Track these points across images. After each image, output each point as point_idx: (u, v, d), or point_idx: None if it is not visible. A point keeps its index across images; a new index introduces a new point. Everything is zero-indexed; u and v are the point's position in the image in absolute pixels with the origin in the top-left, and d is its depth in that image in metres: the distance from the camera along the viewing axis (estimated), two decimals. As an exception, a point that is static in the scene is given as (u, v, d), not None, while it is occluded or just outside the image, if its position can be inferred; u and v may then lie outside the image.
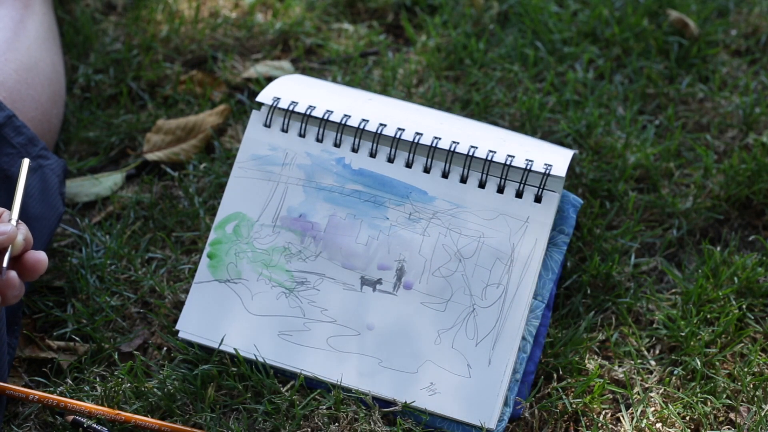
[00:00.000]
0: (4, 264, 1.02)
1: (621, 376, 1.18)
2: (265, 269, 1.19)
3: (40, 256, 1.04)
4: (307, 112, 1.23)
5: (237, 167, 1.22)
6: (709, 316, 1.22)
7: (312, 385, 1.16)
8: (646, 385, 1.17)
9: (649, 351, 1.21)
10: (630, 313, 1.24)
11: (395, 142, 1.21)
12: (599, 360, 1.20)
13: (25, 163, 1.10)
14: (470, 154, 1.19)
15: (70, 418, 1.12)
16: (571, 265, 1.27)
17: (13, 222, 1.04)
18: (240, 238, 1.20)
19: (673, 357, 1.20)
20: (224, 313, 1.18)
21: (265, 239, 1.20)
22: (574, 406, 1.15)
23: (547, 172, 1.18)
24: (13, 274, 1.02)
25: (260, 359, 1.15)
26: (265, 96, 1.24)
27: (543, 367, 1.18)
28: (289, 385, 1.16)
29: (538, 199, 1.18)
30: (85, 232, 1.31)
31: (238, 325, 1.17)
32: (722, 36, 1.54)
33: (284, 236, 1.20)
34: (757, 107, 1.44)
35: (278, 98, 1.24)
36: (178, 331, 1.19)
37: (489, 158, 1.19)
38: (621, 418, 1.15)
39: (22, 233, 1.04)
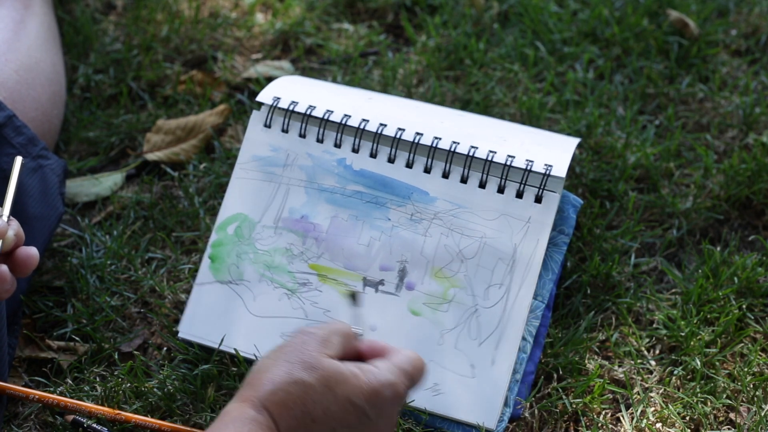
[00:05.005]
0: None
1: (621, 376, 1.18)
2: (267, 270, 1.19)
3: (32, 252, 1.04)
4: (308, 112, 1.23)
5: (238, 168, 1.22)
6: (709, 316, 1.22)
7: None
8: (646, 385, 1.17)
9: (649, 351, 1.21)
10: (630, 313, 1.25)
11: (396, 142, 1.21)
12: (599, 360, 1.20)
13: (18, 160, 1.10)
14: (471, 154, 1.19)
15: (70, 418, 1.12)
16: (571, 265, 1.27)
17: (4, 218, 1.04)
18: (242, 240, 1.20)
19: (673, 357, 1.20)
20: (226, 315, 1.18)
21: (266, 240, 1.20)
22: (574, 406, 1.15)
23: (548, 172, 1.18)
24: (4, 268, 1.02)
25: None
26: (265, 96, 1.24)
27: (543, 367, 1.18)
28: (289, 385, 1.16)
29: (538, 200, 1.18)
30: (85, 232, 1.31)
31: (240, 327, 1.17)
32: (722, 36, 1.54)
33: (286, 237, 1.20)
34: (757, 107, 1.44)
35: (278, 98, 1.24)
36: (178, 332, 1.19)
37: (489, 158, 1.19)
38: (621, 418, 1.15)
39: (13, 229, 1.04)
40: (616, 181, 1.35)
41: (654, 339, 1.22)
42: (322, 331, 0.95)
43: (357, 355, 0.96)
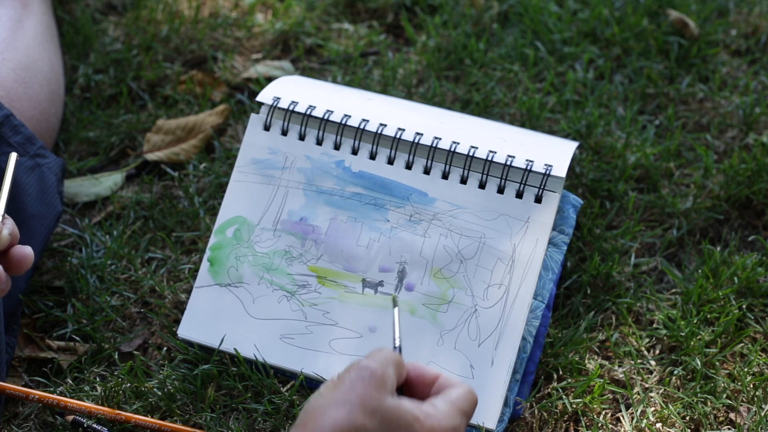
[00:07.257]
0: None
1: (621, 376, 1.18)
2: (266, 273, 1.19)
3: (26, 251, 1.04)
4: (308, 112, 1.22)
5: (237, 171, 1.22)
6: (709, 316, 1.22)
7: (312, 385, 1.16)
8: (646, 385, 1.17)
9: (649, 351, 1.21)
10: (630, 313, 1.25)
11: (395, 142, 1.21)
12: (599, 360, 1.20)
13: (13, 156, 1.10)
14: (470, 154, 1.19)
15: (70, 418, 1.12)
16: (571, 265, 1.27)
17: None
18: (240, 242, 1.20)
19: (673, 357, 1.20)
20: (226, 318, 1.18)
21: (265, 243, 1.20)
22: (574, 406, 1.15)
23: (548, 172, 1.18)
24: None
25: (261, 360, 1.15)
26: (265, 96, 1.24)
27: (543, 367, 1.18)
28: (289, 385, 1.16)
29: (538, 200, 1.18)
30: (85, 232, 1.31)
31: (240, 329, 1.17)
32: (722, 36, 1.54)
33: (285, 240, 1.20)
34: (757, 107, 1.44)
35: (278, 98, 1.24)
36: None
37: (489, 158, 1.19)
38: (621, 418, 1.15)
39: (8, 228, 1.03)
40: (616, 181, 1.35)
41: (654, 339, 1.22)
42: (378, 365, 0.88)
43: (404, 381, 0.92)
